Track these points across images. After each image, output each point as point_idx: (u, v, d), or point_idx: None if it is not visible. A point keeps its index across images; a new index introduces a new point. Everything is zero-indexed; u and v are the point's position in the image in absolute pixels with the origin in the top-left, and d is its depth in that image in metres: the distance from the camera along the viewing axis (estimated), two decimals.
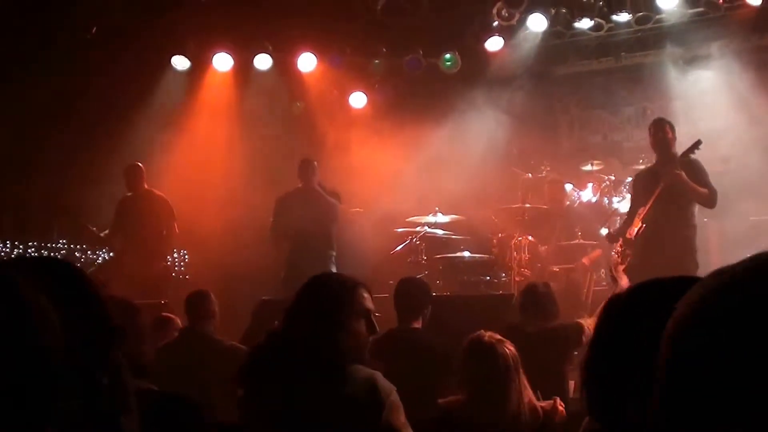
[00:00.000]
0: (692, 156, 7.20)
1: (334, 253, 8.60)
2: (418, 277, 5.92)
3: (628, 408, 1.49)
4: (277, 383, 2.99)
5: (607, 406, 1.59)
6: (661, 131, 7.36)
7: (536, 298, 5.53)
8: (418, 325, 5.29)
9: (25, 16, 9.08)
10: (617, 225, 8.13)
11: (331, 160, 9.98)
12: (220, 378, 5.02)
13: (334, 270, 8.30)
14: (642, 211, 7.31)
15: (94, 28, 9.41)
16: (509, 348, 3.81)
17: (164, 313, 6.51)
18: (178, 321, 6.16)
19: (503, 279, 9.08)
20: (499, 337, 3.88)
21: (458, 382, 3.90)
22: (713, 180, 7.29)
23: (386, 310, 5.24)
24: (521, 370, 3.81)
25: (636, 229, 7.35)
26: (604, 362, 1.62)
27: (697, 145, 7.16)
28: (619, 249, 7.60)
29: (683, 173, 7.05)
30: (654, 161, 7.59)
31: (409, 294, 5.45)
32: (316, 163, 8.69)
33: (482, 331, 3.93)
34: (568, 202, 9.54)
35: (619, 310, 1.65)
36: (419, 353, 5.01)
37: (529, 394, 3.83)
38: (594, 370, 1.64)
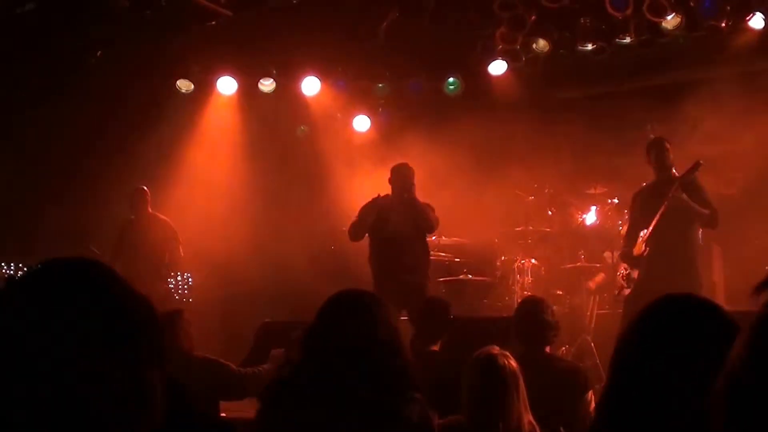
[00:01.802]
0: (692, 176, 7.20)
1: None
2: (440, 298, 5.80)
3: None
4: (320, 409, 2.73)
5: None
6: (661, 150, 7.36)
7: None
8: (436, 348, 5.19)
9: (30, 42, 9.11)
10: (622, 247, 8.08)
11: (335, 182, 9.99)
12: (195, 391, 5.04)
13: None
14: (645, 234, 7.29)
15: (99, 52, 9.44)
16: (511, 363, 3.78)
17: None
18: None
19: (506, 302, 9.04)
20: (504, 352, 3.87)
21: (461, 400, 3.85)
22: (718, 203, 7.27)
23: None
24: (523, 390, 3.77)
25: (641, 252, 7.32)
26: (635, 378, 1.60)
27: (696, 166, 7.15)
28: (624, 273, 7.57)
29: (685, 195, 7.04)
30: (653, 180, 7.58)
31: (432, 316, 5.34)
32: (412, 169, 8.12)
33: (489, 346, 3.90)
34: (572, 225, 9.51)
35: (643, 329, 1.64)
36: (436, 377, 4.88)
37: (529, 416, 3.79)
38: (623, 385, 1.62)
